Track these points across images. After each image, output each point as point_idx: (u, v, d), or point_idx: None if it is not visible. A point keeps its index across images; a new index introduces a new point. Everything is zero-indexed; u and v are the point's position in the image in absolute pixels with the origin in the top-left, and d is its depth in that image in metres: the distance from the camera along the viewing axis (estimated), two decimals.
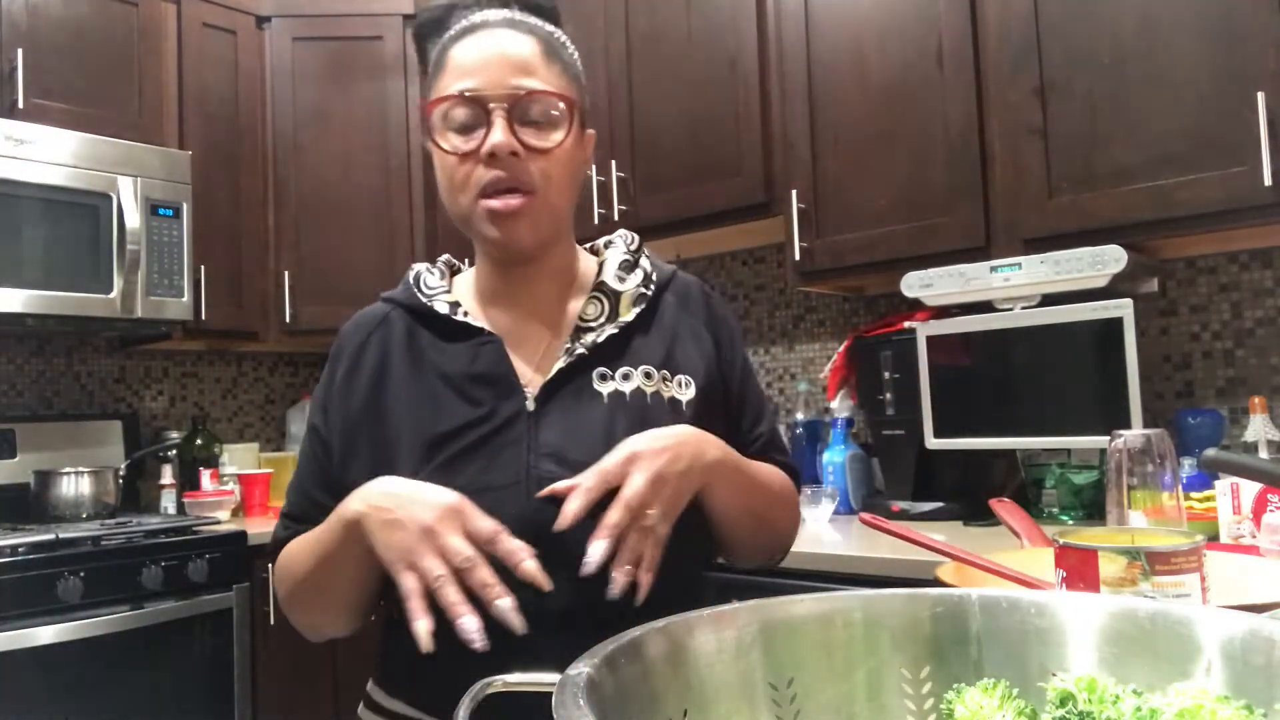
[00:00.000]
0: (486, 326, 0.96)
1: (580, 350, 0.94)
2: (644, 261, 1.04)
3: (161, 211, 2.64)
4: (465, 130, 0.92)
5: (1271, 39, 1.61)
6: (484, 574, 0.76)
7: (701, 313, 1.03)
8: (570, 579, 0.83)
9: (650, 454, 0.82)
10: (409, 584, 0.77)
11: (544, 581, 0.77)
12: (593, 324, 0.97)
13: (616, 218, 2.45)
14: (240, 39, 2.98)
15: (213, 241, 2.84)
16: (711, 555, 1.02)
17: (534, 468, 0.88)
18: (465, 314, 0.97)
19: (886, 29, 2.09)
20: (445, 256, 1.08)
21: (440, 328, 0.97)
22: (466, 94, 0.91)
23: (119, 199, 2.54)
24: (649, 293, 1.00)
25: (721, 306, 1.07)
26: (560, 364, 0.93)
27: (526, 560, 0.77)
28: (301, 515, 0.98)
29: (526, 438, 0.90)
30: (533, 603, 0.83)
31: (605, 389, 0.93)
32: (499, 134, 0.90)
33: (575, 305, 1.00)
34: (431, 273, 1.03)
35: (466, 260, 1.08)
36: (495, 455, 0.89)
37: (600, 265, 1.03)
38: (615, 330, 0.96)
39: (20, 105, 2.44)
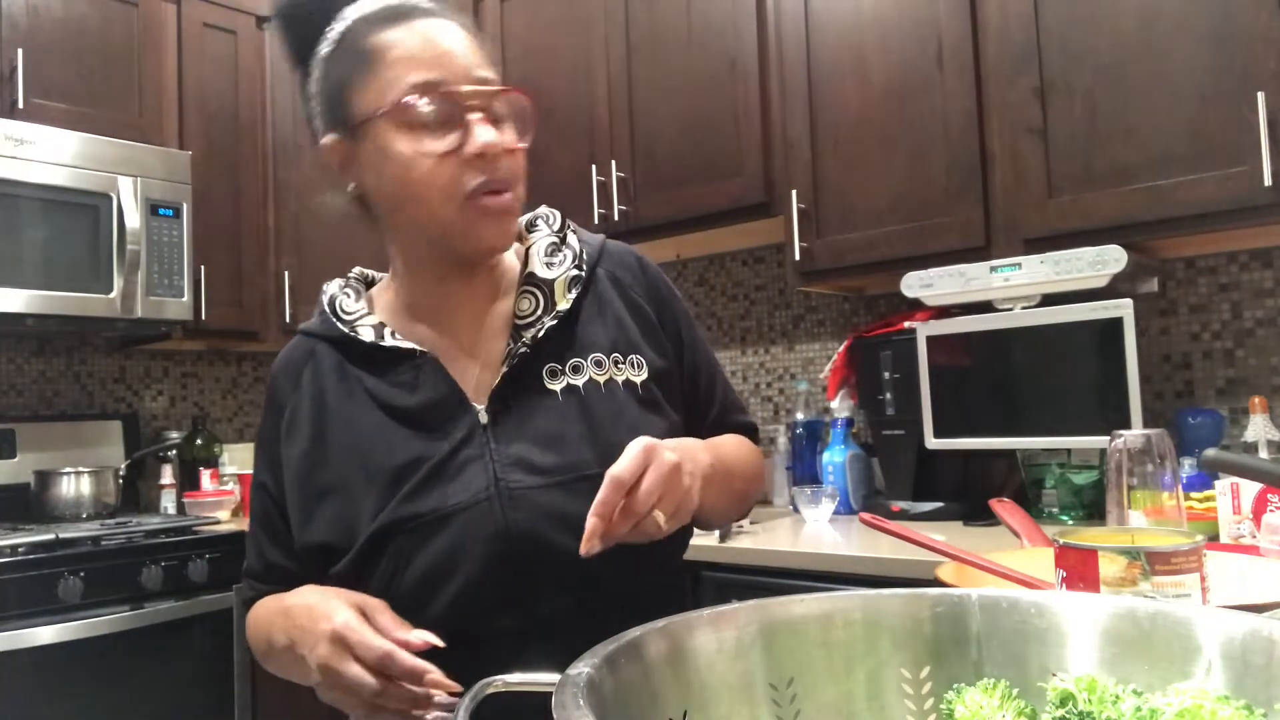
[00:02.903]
0: (417, 347, 0.89)
1: (523, 349, 0.89)
2: (570, 239, 0.97)
3: (161, 211, 2.64)
4: (434, 129, 0.83)
5: (1271, 39, 1.61)
6: (401, 693, 0.75)
7: (639, 284, 0.98)
8: (555, 585, 0.83)
9: (661, 458, 0.75)
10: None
11: (450, 684, 0.74)
12: (530, 319, 0.91)
13: (616, 218, 2.45)
14: (240, 39, 2.98)
15: (213, 241, 2.84)
16: (687, 538, 0.99)
17: (501, 479, 0.84)
18: (393, 334, 0.91)
19: (886, 29, 2.09)
20: (357, 270, 1.01)
21: (368, 354, 0.90)
22: (443, 89, 0.83)
23: (119, 199, 2.54)
24: (582, 273, 0.94)
25: (656, 271, 1.01)
26: (506, 368, 0.88)
27: (430, 673, 0.74)
28: (264, 577, 0.95)
29: (487, 451, 0.85)
30: (521, 608, 0.82)
31: (558, 385, 0.88)
32: (490, 132, 0.84)
33: (504, 304, 0.93)
34: (346, 293, 0.96)
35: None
36: (458, 475, 0.84)
37: (526, 254, 0.95)
38: (554, 321, 0.90)
39: (20, 105, 2.44)
